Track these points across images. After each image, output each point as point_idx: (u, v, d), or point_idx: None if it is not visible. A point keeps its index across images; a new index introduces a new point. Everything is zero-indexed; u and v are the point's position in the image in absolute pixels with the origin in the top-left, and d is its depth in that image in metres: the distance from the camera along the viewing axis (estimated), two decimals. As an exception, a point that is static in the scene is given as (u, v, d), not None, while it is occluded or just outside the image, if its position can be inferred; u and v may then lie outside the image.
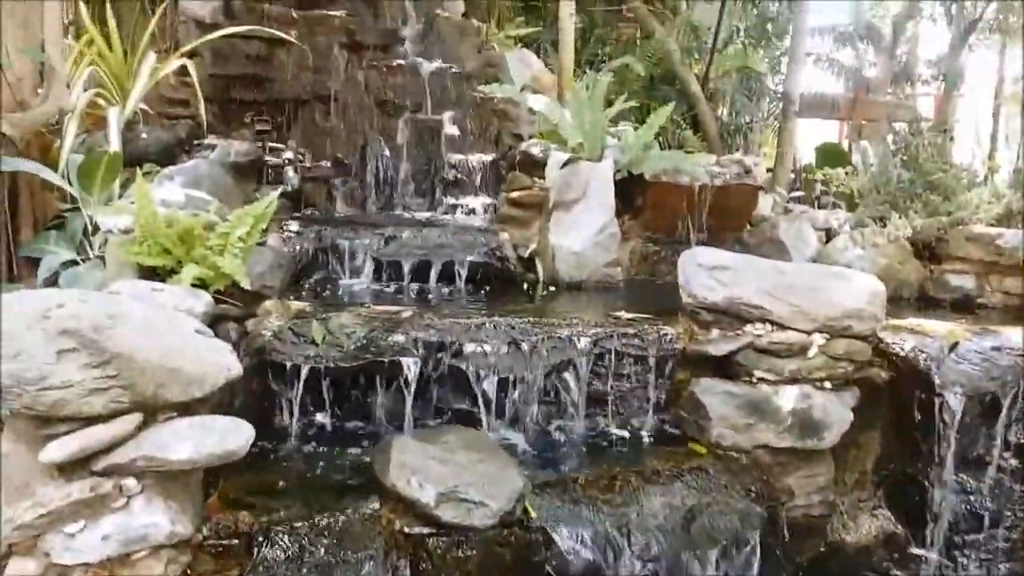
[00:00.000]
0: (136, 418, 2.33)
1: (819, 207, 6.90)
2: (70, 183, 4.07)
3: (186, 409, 2.48)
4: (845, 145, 10.56)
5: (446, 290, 4.61)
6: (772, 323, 3.44)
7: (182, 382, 2.39)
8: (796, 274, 3.53)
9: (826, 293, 3.41)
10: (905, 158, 5.69)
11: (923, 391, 3.43)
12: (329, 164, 6.12)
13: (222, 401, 2.87)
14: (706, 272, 3.56)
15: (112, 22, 5.35)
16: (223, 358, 2.54)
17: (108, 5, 5.72)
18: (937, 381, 3.37)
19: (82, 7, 5.47)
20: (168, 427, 2.38)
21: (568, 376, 3.53)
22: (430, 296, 4.48)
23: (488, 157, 6.10)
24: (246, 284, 3.27)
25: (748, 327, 3.49)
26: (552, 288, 4.74)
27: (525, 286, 4.80)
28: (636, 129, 5.62)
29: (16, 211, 4.08)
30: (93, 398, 2.26)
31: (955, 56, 15.23)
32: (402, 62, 6.24)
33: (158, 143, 4.94)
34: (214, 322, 3.31)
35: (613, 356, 3.54)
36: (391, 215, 5.91)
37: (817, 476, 3.47)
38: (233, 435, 2.42)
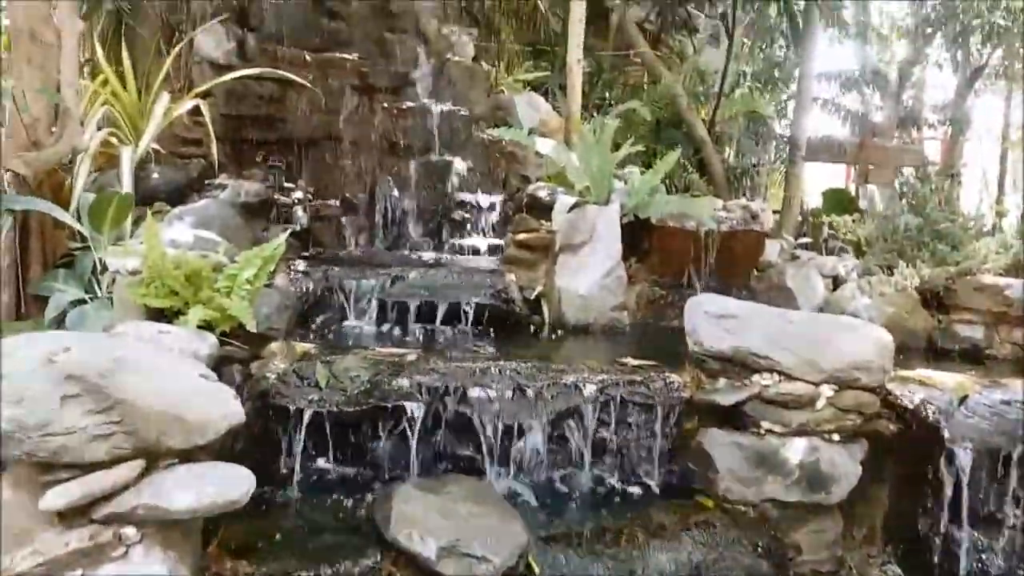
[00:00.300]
0: (138, 465, 2.32)
1: (826, 252, 6.91)
2: (81, 222, 4.10)
3: (188, 455, 2.46)
4: (852, 189, 10.59)
5: (452, 332, 4.59)
6: (780, 373, 3.42)
7: (185, 429, 2.38)
8: (804, 324, 3.51)
9: (834, 344, 3.38)
10: (913, 203, 5.71)
11: (932, 445, 3.38)
12: (338, 203, 6.15)
13: (224, 445, 2.84)
14: (713, 320, 3.55)
15: (127, 62, 5.44)
16: (226, 405, 2.53)
17: (123, 45, 5.83)
18: (947, 435, 3.32)
19: (98, 47, 5.57)
20: (169, 474, 2.37)
21: (573, 423, 3.50)
22: (435, 338, 4.46)
23: (495, 198, 6.13)
24: (252, 327, 3.27)
25: (755, 376, 3.47)
26: (558, 331, 4.72)
27: (531, 328, 4.78)
28: (643, 173, 5.65)
29: (26, 249, 4.11)
30: (96, 444, 2.24)
31: (961, 101, 15.36)
32: (412, 104, 6.30)
33: (169, 182, 4.98)
34: (219, 364, 3.30)
35: (619, 404, 3.50)
36: (398, 255, 5.93)
37: (826, 531, 3.41)
38: (234, 484, 2.40)
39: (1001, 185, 19.35)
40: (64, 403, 2.22)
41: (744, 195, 8.99)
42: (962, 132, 15.58)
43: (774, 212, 10.17)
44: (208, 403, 2.47)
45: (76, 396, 2.24)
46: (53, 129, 4.35)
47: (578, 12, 5.96)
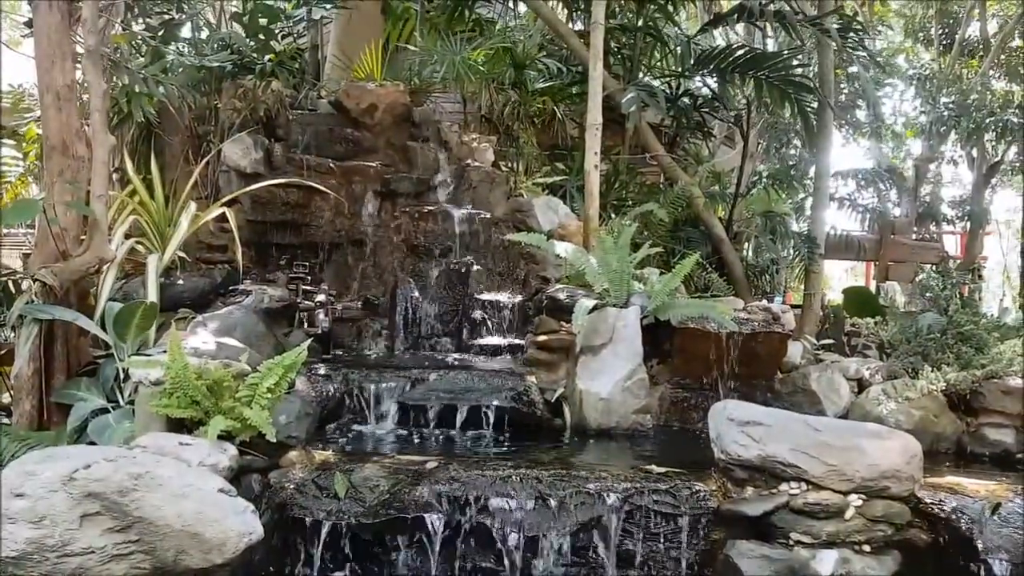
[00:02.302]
0: (154, 585, 2.28)
1: (849, 349, 6.85)
2: (105, 330, 4.18)
3: (206, 573, 2.43)
4: (873, 286, 10.60)
5: (473, 435, 4.56)
6: (807, 482, 3.34)
7: (203, 548, 2.36)
8: (831, 432, 3.45)
9: (862, 453, 3.32)
10: (935, 302, 5.70)
11: (966, 556, 3.26)
12: (360, 305, 6.23)
13: (243, 558, 2.81)
14: (738, 428, 3.50)
15: (155, 171, 5.62)
16: (245, 523, 2.51)
17: (152, 154, 6.05)
18: (980, 546, 3.21)
19: (127, 158, 5.77)
20: (185, 595, 2.33)
21: (597, 534, 3.41)
22: (456, 442, 4.43)
23: (516, 298, 6.17)
24: (272, 437, 3.27)
25: (783, 486, 3.39)
26: (580, 434, 4.67)
27: (553, 431, 4.73)
28: (662, 274, 5.68)
29: (51, 356, 4.19)
30: (114, 564, 2.23)
31: (979, 196, 15.47)
32: (433, 208, 6.44)
33: (194, 289, 5.08)
34: (239, 474, 3.30)
35: (644, 513, 3.43)
36: (419, 355, 5.95)
37: (861, 648, 3.26)
38: (251, 604, 2.35)
39: (1023, 277, 19.28)
40: (84, 522, 2.21)
41: (764, 294, 8.99)
42: (981, 227, 15.63)
43: (794, 307, 10.18)
44: (227, 521, 2.46)
45: (96, 515, 2.24)
46: (82, 237, 4.48)
47: (594, 119, 6.13)
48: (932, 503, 3.43)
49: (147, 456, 2.72)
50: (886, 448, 3.38)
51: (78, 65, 4.71)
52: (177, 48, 6.42)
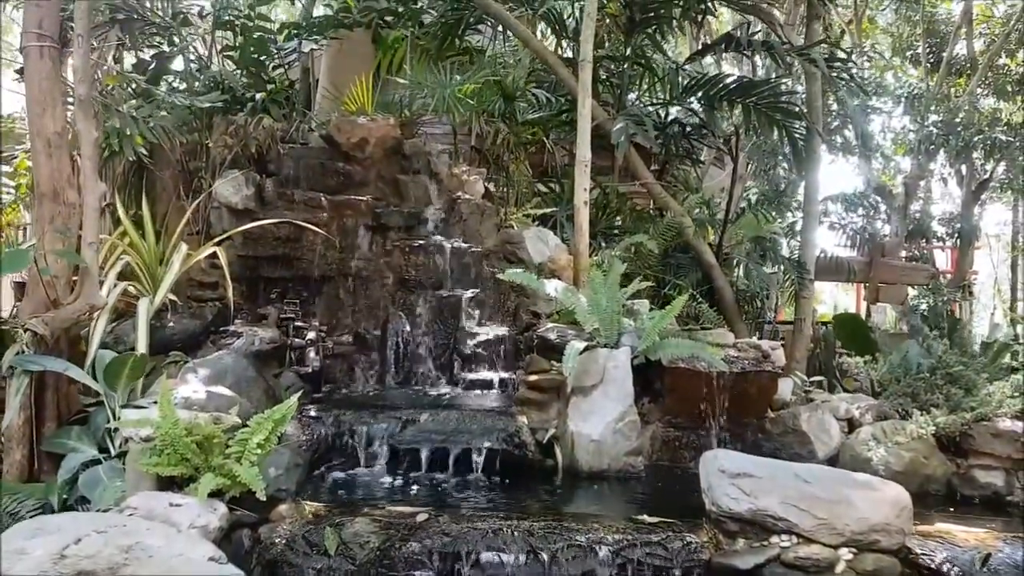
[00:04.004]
0: (143, 665, 2.27)
1: (841, 374, 6.86)
2: (96, 378, 4.16)
3: (195, 649, 2.42)
4: (863, 308, 10.65)
5: (464, 479, 4.54)
6: (798, 535, 3.36)
7: (192, 626, 2.35)
8: (820, 484, 3.46)
9: (851, 506, 3.34)
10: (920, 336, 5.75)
11: (959, 610, 3.28)
12: (351, 339, 6.21)
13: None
14: (729, 480, 3.51)
15: (146, 208, 5.61)
16: (235, 595, 2.50)
17: (143, 191, 6.04)
18: (972, 600, 3.23)
19: (118, 201, 5.74)
20: (175, 674, 2.32)
21: (589, 587, 3.42)
22: (447, 488, 4.41)
23: (505, 331, 6.17)
24: (262, 495, 3.26)
25: (774, 538, 3.41)
26: (572, 477, 4.67)
27: (544, 473, 4.73)
28: (652, 309, 5.70)
29: (42, 405, 4.17)
30: (101, 647, 2.21)
31: (968, 213, 15.57)
32: (423, 242, 6.45)
33: (184, 331, 5.08)
34: (229, 530, 3.29)
35: (636, 566, 3.43)
36: (410, 391, 5.94)
37: None
38: None
39: (1014, 291, 19.42)
40: (73, 603, 2.20)
41: (755, 319, 9.02)
42: (971, 243, 15.73)
43: (783, 324, 10.18)
44: (216, 596, 2.44)
45: (85, 595, 2.23)
46: (74, 279, 4.46)
47: (583, 155, 6.16)
48: (922, 553, 3.44)
49: (137, 523, 2.72)
50: (875, 500, 3.39)
51: (70, 108, 4.71)
52: (168, 83, 6.42)
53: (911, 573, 3.42)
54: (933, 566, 3.39)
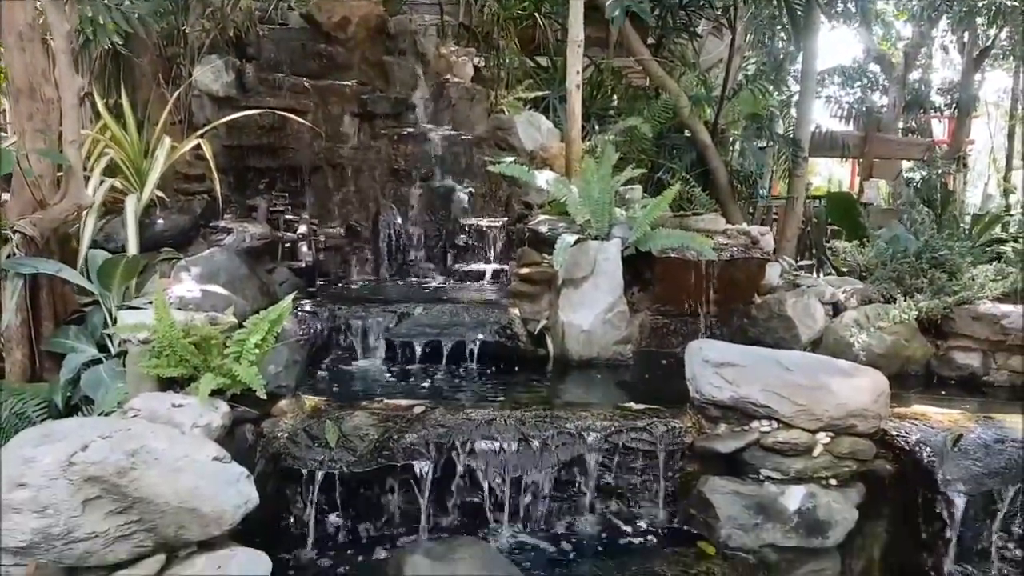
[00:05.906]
0: (159, 560, 2.43)
1: (831, 252, 6.91)
2: (89, 278, 4.19)
3: (206, 542, 2.56)
4: (856, 184, 10.60)
5: (458, 370, 4.67)
6: (778, 421, 3.49)
7: (202, 523, 2.48)
8: (801, 371, 3.56)
9: (830, 392, 3.45)
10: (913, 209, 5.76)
11: (926, 488, 3.46)
12: (343, 232, 6.23)
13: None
14: (712, 370, 3.62)
15: (125, 97, 5.47)
16: (240, 493, 2.62)
17: (121, 77, 5.87)
18: (940, 479, 3.40)
19: (94, 84, 5.59)
20: (189, 566, 2.47)
21: (577, 471, 3.59)
22: (442, 379, 4.53)
23: (498, 222, 6.19)
24: (262, 393, 3.35)
25: (755, 423, 3.54)
26: (563, 366, 4.80)
27: (536, 363, 4.86)
28: (644, 197, 5.69)
29: (37, 306, 4.20)
30: (118, 546, 2.35)
31: (968, 82, 15.28)
32: (412, 129, 6.35)
33: (175, 227, 5.06)
34: (231, 426, 3.41)
35: (623, 450, 3.59)
36: (404, 284, 6.00)
37: (824, 571, 3.50)
38: (251, 571, 2.50)
39: (1009, 160, 19.29)
40: (86, 507, 2.32)
41: (749, 199, 8.99)
42: (969, 113, 15.52)
43: (778, 199, 10.15)
44: (223, 495, 2.56)
45: (96, 499, 2.34)
46: (59, 175, 4.41)
47: (576, 35, 5.96)
48: (897, 435, 3.61)
49: (141, 426, 2.80)
50: (854, 386, 3.50)
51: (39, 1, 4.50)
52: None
53: (885, 454, 3.60)
54: (907, 447, 3.56)
